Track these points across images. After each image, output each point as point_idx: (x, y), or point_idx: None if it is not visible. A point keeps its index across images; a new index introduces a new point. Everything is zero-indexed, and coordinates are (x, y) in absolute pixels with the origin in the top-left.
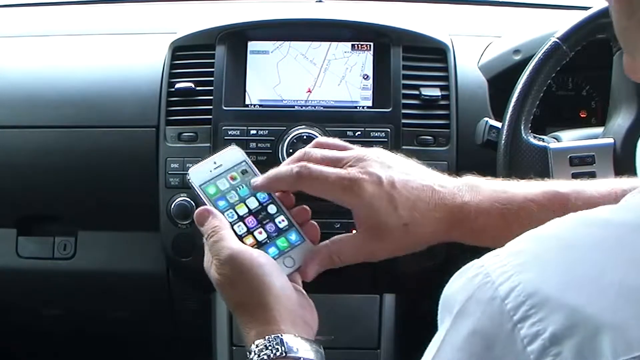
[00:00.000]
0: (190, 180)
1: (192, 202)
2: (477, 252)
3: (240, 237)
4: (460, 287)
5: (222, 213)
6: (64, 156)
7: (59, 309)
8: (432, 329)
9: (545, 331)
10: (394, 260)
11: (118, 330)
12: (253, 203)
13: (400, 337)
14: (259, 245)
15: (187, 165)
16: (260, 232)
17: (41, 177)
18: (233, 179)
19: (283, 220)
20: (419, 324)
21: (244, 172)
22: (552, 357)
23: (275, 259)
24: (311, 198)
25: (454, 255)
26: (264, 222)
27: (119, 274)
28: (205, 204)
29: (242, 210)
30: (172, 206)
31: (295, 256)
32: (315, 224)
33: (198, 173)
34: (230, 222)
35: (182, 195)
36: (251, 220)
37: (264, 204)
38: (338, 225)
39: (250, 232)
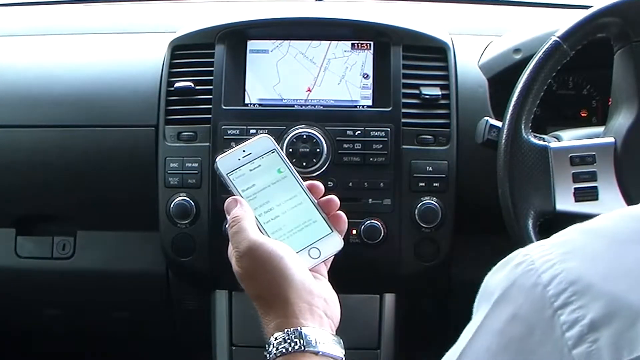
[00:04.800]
0: (217, 169)
1: (191, 201)
2: (476, 254)
3: (265, 226)
4: (504, 275)
5: (249, 201)
6: (63, 155)
7: (58, 309)
8: (432, 329)
9: (584, 318)
10: (394, 260)
11: (117, 330)
12: (281, 191)
13: (400, 337)
14: (284, 234)
15: (187, 164)
16: (287, 222)
17: (40, 177)
18: (261, 167)
19: (310, 210)
20: (419, 324)
21: (273, 160)
22: (589, 344)
23: (300, 250)
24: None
25: (454, 256)
26: (291, 212)
27: (118, 274)
28: (233, 192)
29: (269, 198)
30: (172, 206)
31: (321, 247)
32: (343, 214)
33: (226, 161)
34: (256, 210)
35: (181, 194)
36: (278, 209)
37: (292, 193)
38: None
39: (276, 221)
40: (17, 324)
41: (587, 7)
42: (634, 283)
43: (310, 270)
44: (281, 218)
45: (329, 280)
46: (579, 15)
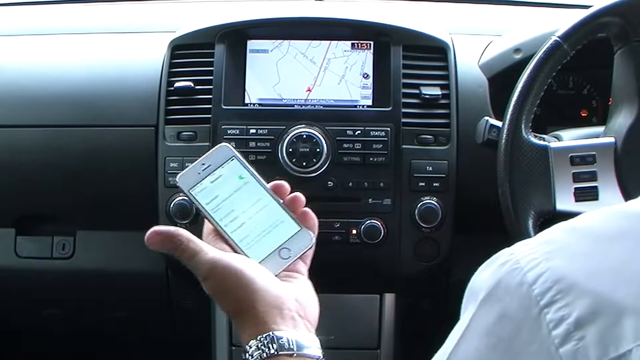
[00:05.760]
0: (179, 186)
1: None
2: (476, 254)
3: (232, 235)
4: (489, 274)
5: (213, 213)
6: (63, 155)
7: (57, 309)
8: (432, 329)
9: (570, 316)
10: (394, 260)
11: (117, 330)
12: (244, 198)
13: (400, 337)
14: (252, 240)
15: (187, 164)
16: (254, 227)
17: (40, 177)
18: (223, 177)
19: (276, 211)
20: (419, 324)
21: (234, 167)
22: (576, 342)
23: (270, 253)
24: (308, 198)
25: (454, 256)
26: (257, 216)
27: (118, 274)
28: (197, 207)
29: (233, 207)
30: (171, 205)
31: (292, 246)
32: (310, 211)
33: (186, 177)
34: (222, 221)
35: (181, 194)
36: (243, 216)
37: (256, 197)
38: (338, 225)
39: (242, 228)
40: (17, 323)
41: (587, 7)
42: (618, 280)
43: (285, 270)
44: (247, 224)
45: (329, 280)
46: (579, 15)
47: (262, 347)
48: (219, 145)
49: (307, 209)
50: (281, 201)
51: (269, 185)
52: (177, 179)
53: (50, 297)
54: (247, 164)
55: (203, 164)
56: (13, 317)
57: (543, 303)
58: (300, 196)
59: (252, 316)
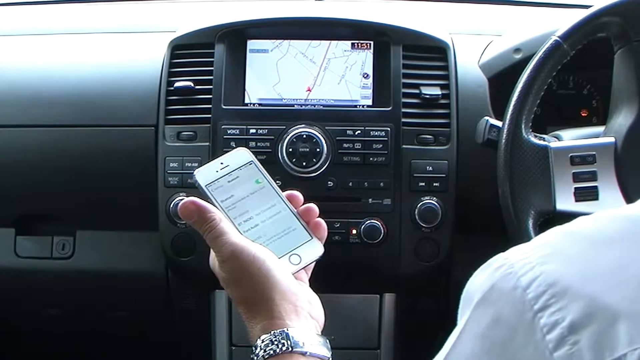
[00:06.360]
0: (196, 181)
1: None
2: (476, 254)
3: (245, 234)
4: (484, 279)
5: (228, 211)
6: (63, 155)
7: (57, 309)
8: (432, 329)
9: (564, 320)
10: (394, 260)
11: (117, 330)
12: (259, 201)
13: (400, 337)
14: (264, 242)
15: (186, 164)
16: (266, 230)
17: (39, 176)
18: (240, 178)
19: (289, 218)
20: (419, 324)
21: (251, 171)
22: (570, 346)
23: (281, 257)
24: (308, 198)
25: (454, 256)
26: (270, 220)
27: (118, 274)
28: (212, 204)
29: (248, 208)
30: (171, 205)
31: (302, 254)
32: (323, 222)
33: (204, 173)
34: (236, 220)
35: (181, 194)
36: (257, 218)
37: (271, 202)
38: (338, 225)
39: (255, 229)
40: (17, 323)
41: (587, 7)
42: (613, 284)
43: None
44: (260, 226)
45: (329, 280)
46: (579, 14)
47: (276, 342)
48: (238, 148)
49: (320, 219)
50: (295, 210)
51: (284, 194)
52: (194, 174)
53: (50, 297)
54: (264, 170)
55: (221, 163)
56: (13, 317)
57: (537, 307)
58: (314, 207)
59: (267, 307)
